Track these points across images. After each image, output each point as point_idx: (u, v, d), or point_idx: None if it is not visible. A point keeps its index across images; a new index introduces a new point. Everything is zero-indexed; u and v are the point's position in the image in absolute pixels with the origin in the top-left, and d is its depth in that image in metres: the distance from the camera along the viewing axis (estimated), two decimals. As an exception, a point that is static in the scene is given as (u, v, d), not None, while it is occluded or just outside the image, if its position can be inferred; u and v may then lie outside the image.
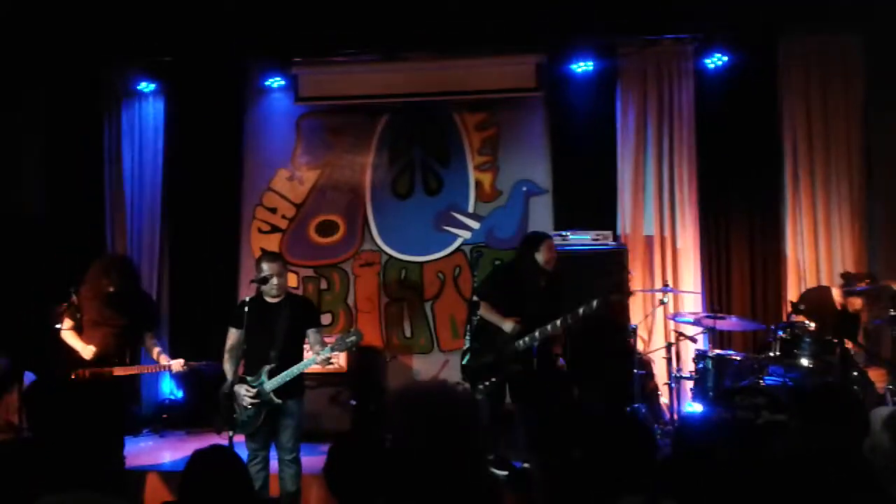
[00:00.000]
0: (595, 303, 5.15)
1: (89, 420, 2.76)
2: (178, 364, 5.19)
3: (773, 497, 2.30)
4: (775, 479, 2.33)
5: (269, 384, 4.67)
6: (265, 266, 4.83)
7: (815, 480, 2.46)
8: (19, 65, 7.07)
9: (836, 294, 5.96)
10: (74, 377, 5.04)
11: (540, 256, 5.40)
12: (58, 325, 5.21)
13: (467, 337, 5.96)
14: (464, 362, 5.63)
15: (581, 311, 5.18)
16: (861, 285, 5.80)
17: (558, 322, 5.22)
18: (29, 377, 5.68)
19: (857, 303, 5.87)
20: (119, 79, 7.51)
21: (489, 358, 5.38)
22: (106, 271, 5.24)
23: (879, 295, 5.83)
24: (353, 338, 4.74)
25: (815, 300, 5.95)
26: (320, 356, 4.68)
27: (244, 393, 4.69)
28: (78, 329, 5.21)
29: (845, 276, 6.04)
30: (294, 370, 4.68)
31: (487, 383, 5.34)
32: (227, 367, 4.82)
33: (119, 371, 5.16)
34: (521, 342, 5.28)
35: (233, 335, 4.84)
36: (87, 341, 5.16)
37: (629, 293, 5.66)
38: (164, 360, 5.22)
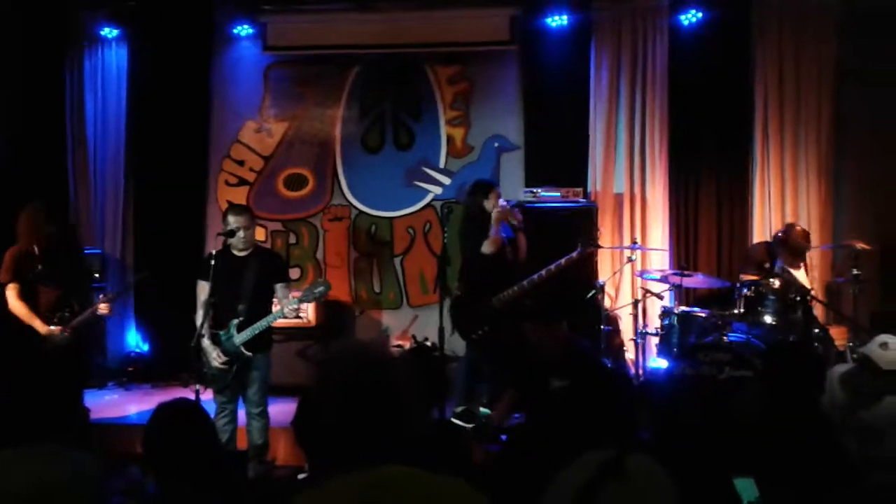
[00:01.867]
0: (575, 254, 5.41)
1: (47, 372, 2.73)
2: (104, 307, 5.11)
3: (736, 450, 2.35)
4: (738, 432, 2.38)
5: (239, 338, 4.65)
6: (231, 219, 4.77)
7: (775, 434, 2.52)
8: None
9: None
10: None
11: (488, 204, 5.54)
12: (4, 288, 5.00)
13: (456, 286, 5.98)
14: (453, 311, 5.69)
15: (563, 261, 5.42)
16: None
17: (543, 272, 5.44)
18: None
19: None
20: (81, 24, 7.28)
21: (482, 307, 5.47)
22: (37, 220, 5.05)
23: (846, 253, 5.97)
24: (320, 288, 4.71)
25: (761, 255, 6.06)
26: (288, 307, 4.66)
27: (212, 350, 4.66)
28: (25, 293, 5.00)
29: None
30: (263, 323, 4.66)
31: (481, 332, 5.47)
32: (199, 321, 4.74)
33: (76, 323, 5.04)
34: (507, 292, 5.45)
35: (203, 288, 4.76)
36: (29, 302, 4.99)
37: (598, 245, 5.79)
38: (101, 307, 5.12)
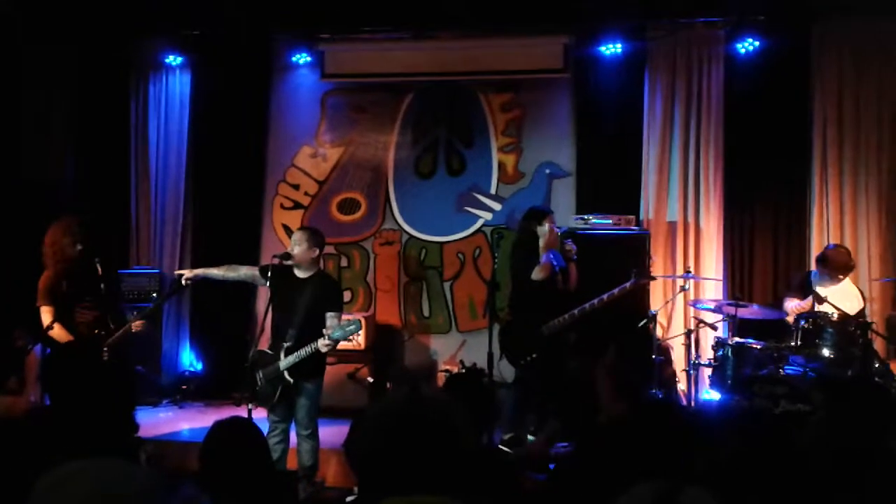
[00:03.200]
0: (629, 284, 5.43)
1: (105, 387, 2.81)
2: (137, 324, 5.21)
3: (798, 487, 2.29)
4: (800, 469, 2.32)
5: (283, 363, 4.71)
6: (293, 237, 4.92)
7: (840, 472, 2.45)
8: (50, 37, 7.12)
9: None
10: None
11: (542, 231, 5.56)
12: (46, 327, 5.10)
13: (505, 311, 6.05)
14: (502, 337, 5.76)
15: (616, 291, 5.47)
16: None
17: (595, 301, 5.48)
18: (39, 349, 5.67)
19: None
20: (147, 52, 7.54)
21: (532, 334, 5.51)
22: (67, 232, 5.16)
23: None
24: (352, 326, 4.67)
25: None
26: (323, 342, 4.62)
27: (261, 370, 4.75)
28: (61, 315, 5.10)
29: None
30: (302, 353, 4.67)
31: (529, 358, 5.48)
32: (216, 269, 5.06)
33: (113, 341, 5.13)
34: (558, 320, 5.47)
35: (248, 268, 5.08)
36: (66, 323, 5.07)
37: (652, 276, 5.73)
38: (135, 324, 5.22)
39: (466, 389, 3.30)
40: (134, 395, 5.45)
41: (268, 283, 4.81)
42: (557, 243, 5.61)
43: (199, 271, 5.17)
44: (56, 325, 5.05)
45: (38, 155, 7.42)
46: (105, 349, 5.04)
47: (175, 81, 7.63)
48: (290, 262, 4.82)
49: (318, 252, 4.91)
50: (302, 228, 5.20)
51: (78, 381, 3.21)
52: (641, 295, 6.32)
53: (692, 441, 2.27)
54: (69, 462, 2.27)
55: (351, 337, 4.74)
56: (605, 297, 5.50)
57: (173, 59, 7.49)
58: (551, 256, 5.52)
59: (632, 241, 6.44)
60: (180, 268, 7.51)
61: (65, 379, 3.32)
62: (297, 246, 4.82)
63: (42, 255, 5.18)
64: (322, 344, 4.62)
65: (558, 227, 5.73)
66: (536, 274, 5.48)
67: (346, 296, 7.39)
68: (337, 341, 4.64)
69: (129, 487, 2.09)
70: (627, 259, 6.33)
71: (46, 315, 5.09)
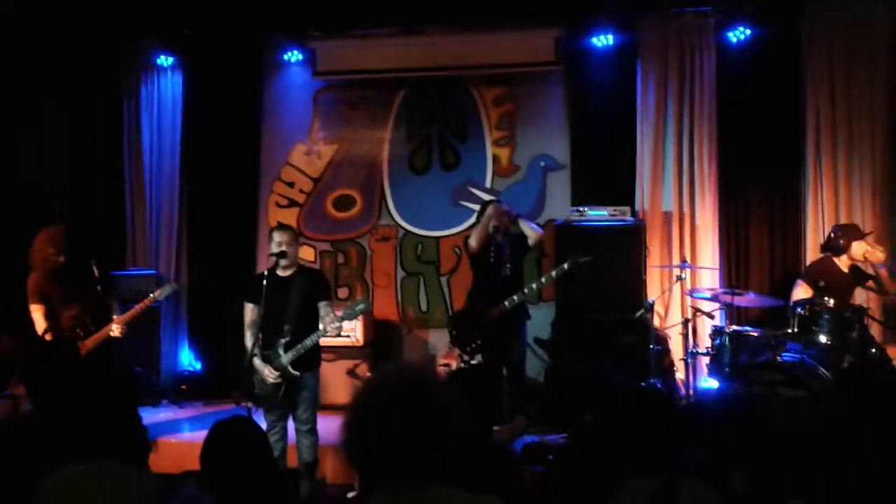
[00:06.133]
0: (566, 265, 5.67)
1: (100, 387, 2.80)
2: (117, 329, 5.20)
3: (792, 472, 2.31)
4: (795, 454, 2.34)
5: (286, 357, 4.71)
6: (277, 237, 4.85)
7: (855, 456, 2.45)
8: (41, 39, 7.10)
9: (840, 261, 5.81)
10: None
11: (488, 215, 5.84)
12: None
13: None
14: (452, 324, 6.13)
15: (553, 274, 5.77)
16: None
17: (533, 285, 5.82)
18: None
19: (858, 250, 5.72)
20: (138, 52, 7.54)
21: (478, 320, 5.75)
22: (51, 242, 5.17)
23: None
24: (361, 306, 4.81)
25: (820, 273, 5.85)
26: (330, 326, 4.73)
27: (264, 367, 4.73)
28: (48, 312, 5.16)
29: (843, 228, 5.91)
30: (307, 342, 4.71)
31: (474, 345, 5.72)
32: (248, 342, 4.80)
33: (90, 343, 5.16)
34: (501, 305, 5.69)
35: (249, 310, 4.82)
36: (51, 323, 5.12)
37: (588, 257, 5.76)
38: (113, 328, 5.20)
39: (470, 385, 3.31)
40: (125, 396, 5.44)
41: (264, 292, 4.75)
42: (505, 222, 5.84)
43: (252, 349, 4.81)
44: (43, 322, 5.12)
45: (32, 157, 7.40)
46: (82, 350, 5.04)
47: (167, 81, 7.62)
48: (285, 262, 4.82)
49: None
50: (284, 228, 5.15)
51: (53, 382, 3.21)
52: (638, 285, 6.35)
53: (681, 430, 2.28)
54: (70, 465, 2.28)
55: (350, 332, 4.73)
56: (542, 279, 5.90)
57: (165, 60, 7.48)
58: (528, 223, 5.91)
59: (628, 231, 6.45)
60: (177, 269, 7.53)
61: (41, 380, 3.31)
62: (289, 246, 4.83)
63: (29, 258, 5.22)
64: (332, 328, 4.72)
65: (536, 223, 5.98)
66: (472, 240, 5.90)
67: (344, 292, 7.43)
68: (347, 321, 4.78)
69: (130, 490, 2.11)
70: (624, 250, 6.36)
71: (37, 313, 5.15)
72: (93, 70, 7.46)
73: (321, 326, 4.80)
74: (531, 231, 5.93)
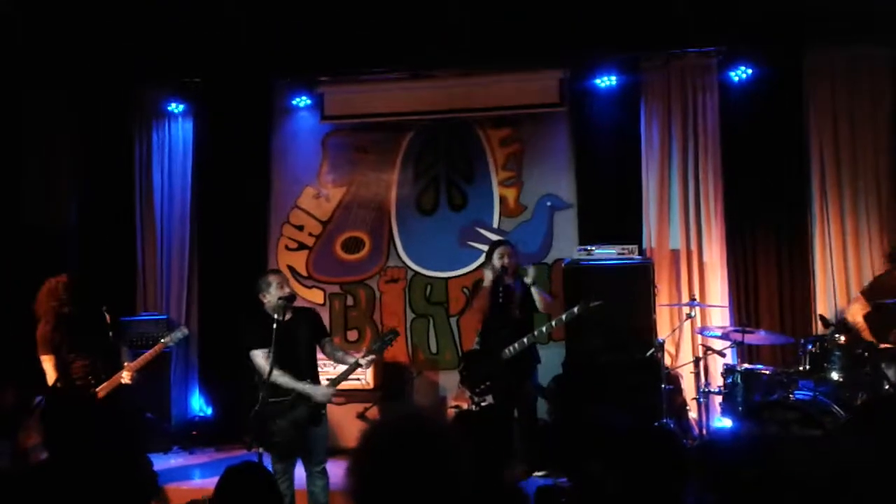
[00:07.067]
0: (576, 310, 5.65)
1: (98, 435, 2.82)
2: (127, 376, 5.20)
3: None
4: (831, 493, 2.30)
5: (322, 394, 4.72)
6: (278, 279, 4.85)
7: (869, 495, 2.42)
8: (55, 85, 7.25)
9: None
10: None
11: (496, 262, 5.81)
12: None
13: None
14: (462, 365, 6.12)
15: (563, 317, 5.75)
16: None
17: (543, 328, 5.79)
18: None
19: None
20: (150, 99, 7.67)
21: (488, 361, 5.76)
22: (53, 295, 5.18)
23: None
24: (390, 336, 4.91)
25: (882, 289, 5.71)
26: (365, 359, 4.79)
27: (320, 392, 4.73)
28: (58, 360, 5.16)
29: None
30: (344, 374, 4.77)
31: (484, 386, 5.74)
32: (281, 378, 4.69)
33: (102, 391, 5.15)
34: (508, 350, 5.70)
35: (262, 356, 4.74)
36: (62, 373, 5.13)
37: (599, 301, 5.73)
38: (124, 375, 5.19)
39: (478, 427, 3.29)
40: (135, 442, 5.43)
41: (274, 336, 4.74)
42: (513, 263, 5.84)
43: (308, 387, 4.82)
44: (55, 373, 5.11)
45: (40, 201, 7.49)
46: (95, 398, 5.06)
47: (178, 128, 7.74)
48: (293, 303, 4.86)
49: None
50: (276, 272, 5.19)
51: (68, 430, 3.22)
52: (648, 324, 6.33)
53: (692, 472, 2.26)
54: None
55: (361, 375, 4.73)
56: (553, 322, 5.82)
57: (176, 107, 7.60)
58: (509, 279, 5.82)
59: (636, 270, 6.45)
60: (187, 314, 7.55)
61: (58, 428, 3.33)
62: (290, 287, 4.93)
63: (35, 309, 5.23)
64: (367, 361, 4.80)
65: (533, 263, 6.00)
66: (486, 278, 5.90)
67: (353, 335, 7.43)
68: (378, 352, 4.90)
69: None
70: (632, 289, 6.36)
71: (48, 364, 5.15)
72: (104, 117, 7.59)
73: (357, 359, 4.79)
74: (541, 300, 5.84)
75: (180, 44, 7.04)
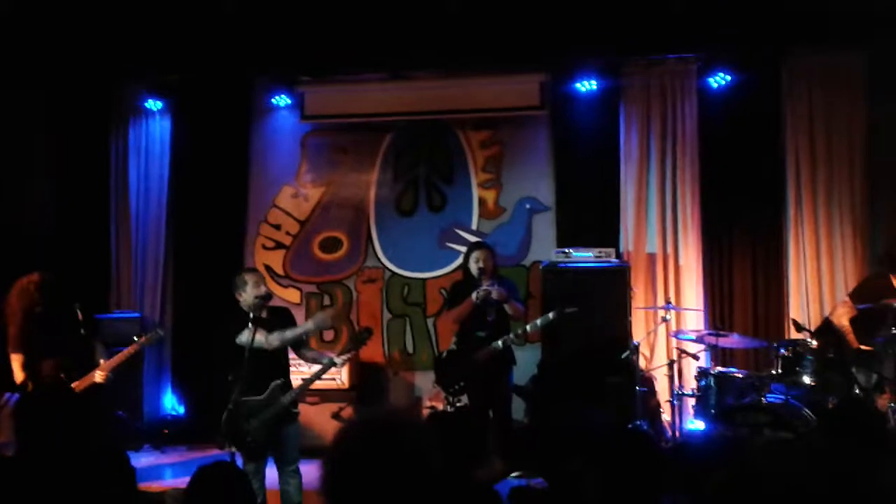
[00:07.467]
0: (550, 315, 5.69)
1: (89, 429, 2.78)
2: (100, 376, 5.15)
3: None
4: (803, 495, 2.33)
5: (287, 398, 4.67)
6: (254, 278, 4.80)
7: (840, 497, 2.46)
8: (29, 82, 7.15)
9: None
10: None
11: (472, 265, 5.82)
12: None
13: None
14: (437, 365, 6.13)
15: (538, 322, 5.79)
16: None
17: (518, 331, 5.82)
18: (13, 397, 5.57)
19: None
20: (127, 97, 7.59)
21: (462, 364, 5.79)
22: (24, 295, 5.15)
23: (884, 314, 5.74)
24: (364, 334, 4.89)
25: (871, 293, 5.69)
26: (340, 358, 4.80)
27: (251, 419, 4.65)
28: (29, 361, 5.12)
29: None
30: (318, 373, 4.74)
31: (457, 386, 5.76)
32: (288, 334, 4.75)
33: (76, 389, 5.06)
34: (486, 350, 5.72)
35: (250, 331, 4.68)
36: (30, 372, 5.07)
37: (574, 307, 5.75)
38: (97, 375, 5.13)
39: (451, 427, 3.29)
40: (109, 439, 5.36)
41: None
42: (490, 266, 5.81)
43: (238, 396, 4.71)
44: (21, 372, 5.06)
45: (16, 198, 7.38)
46: (70, 394, 4.97)
47: (155, 125, 7.67)
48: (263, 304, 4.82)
49: None
50: (252, 270, 5.16)
51: (39, 428, 3.17)
52: (623, 326, 6.38)
53: (667, 474, 2.28)
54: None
55: (336, 375, 4.73)
56: (528, 327, 5.86)
57: (153, 104, 7.52)
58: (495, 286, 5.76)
59: (613, 273, 6.50)
60: (161, 312, 7.48)
61: (30, 424, 3.28)
62: (266, 286, 4.85)
63: (4, 309, 5.18)
64: (342, 359, 4.83)
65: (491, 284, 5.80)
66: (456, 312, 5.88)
67: (330, 335, 7.39)
68: (353, 351, 4.96)
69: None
70: (609, 291, 6.40)
71: (15, 363, 5.10)
72: (80, 114, 7.49)
73: (332, 358, 4.80)
74: (513, 308, 5.84)
75: (159, 40, 6.97)
